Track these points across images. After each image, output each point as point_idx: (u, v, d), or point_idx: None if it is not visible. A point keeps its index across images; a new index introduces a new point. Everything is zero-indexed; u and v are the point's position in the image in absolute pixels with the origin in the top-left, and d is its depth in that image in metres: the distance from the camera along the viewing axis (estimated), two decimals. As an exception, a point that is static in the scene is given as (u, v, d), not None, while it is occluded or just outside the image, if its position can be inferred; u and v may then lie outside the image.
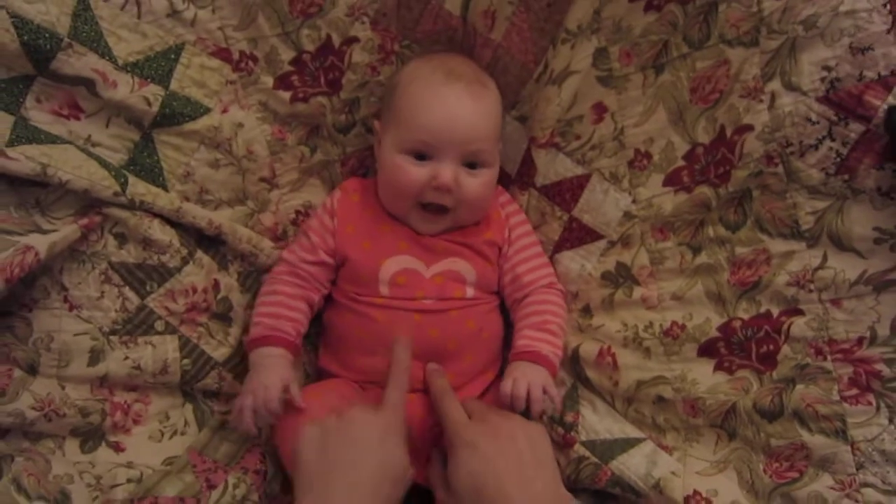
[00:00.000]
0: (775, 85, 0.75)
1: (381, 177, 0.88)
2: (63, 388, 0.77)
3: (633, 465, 0.82)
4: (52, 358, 0.76)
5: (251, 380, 0.81)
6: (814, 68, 0.72)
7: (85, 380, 0.79)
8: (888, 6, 0.68)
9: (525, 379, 0.80)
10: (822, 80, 0.72)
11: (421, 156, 0.82)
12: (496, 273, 0.90)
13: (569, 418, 0.88)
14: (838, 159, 0.72)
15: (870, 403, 0.73)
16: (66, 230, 0.75)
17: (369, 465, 0.68)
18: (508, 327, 0.92)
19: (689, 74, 0.80)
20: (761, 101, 0.76)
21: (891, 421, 0.72)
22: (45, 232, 0.74)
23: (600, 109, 0.86)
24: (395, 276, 0.85)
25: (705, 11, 0.78)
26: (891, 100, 0.68)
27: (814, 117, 0.72)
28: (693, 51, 0.80)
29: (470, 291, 0.87)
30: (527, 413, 0.80)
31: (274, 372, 0.80)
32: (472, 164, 0.84)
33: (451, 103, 0.82)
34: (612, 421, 0.87)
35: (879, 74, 0.69)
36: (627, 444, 0.84)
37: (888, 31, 0.68)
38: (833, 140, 0.72)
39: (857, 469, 0.73)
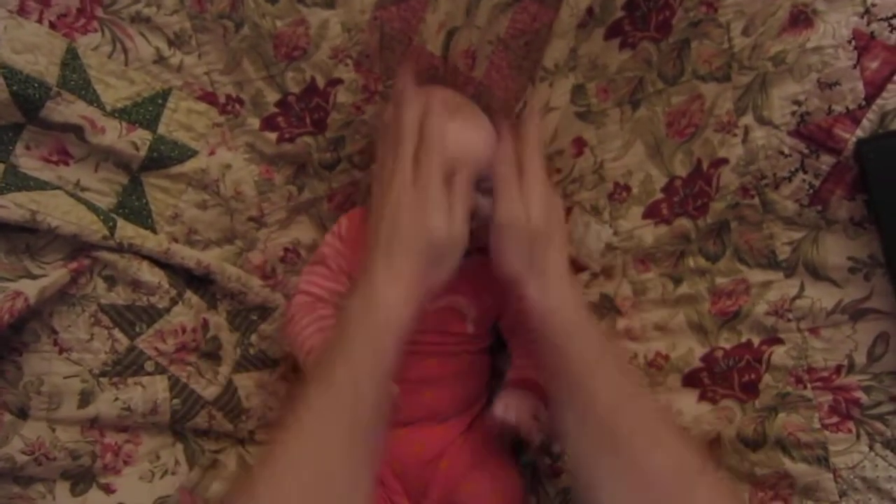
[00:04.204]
0: (748, 119, 0.76)
1: None
2: (53, 430, 0.78)
3: (621, 495, 0.83)
4: (43, 401, 0.77)
5: None
6: (784, 103, 0.74)
7: (75, 422, 0.79)
8: (853, 43, 0.69)
9: (514, 404, 0.81)
10: (793, 114, 0.73)
11: None
12: (496, 309, 0.91)
13: (556, 448, 0.89)
14: (811, 191, 0.73)
15: (850, 431, 0.73)
16: (55, 275, 0.76)
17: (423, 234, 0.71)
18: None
19: (664, 109, 0.82)
20: (735, 134, 0.77)
21: (871, 448, 0.72)
22: (34, 277, 0.75)
23: (580, 144, 0.88)
24: None
25: (678, 48, 0.80)
26: (859, 133, 0.70)
27: (786, 150, 0.74)
28: (668, 86, 0.82)
29: (470, 328, 0.88)
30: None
31: None
32: (484, 188, 0.84)
33: (460, 134, 0.82)
34: (599, 451, 0.87)
35: (847, 108, 0.70)
36: (614, 474, 0.85)
37: (854, 67, 0.69)
38: (805, 172, 0.73)
39: (840, 496, 0.73)
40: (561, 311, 0.72)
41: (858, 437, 0.73)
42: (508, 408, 0.81)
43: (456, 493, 0.82)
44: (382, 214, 0.72)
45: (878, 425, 0.72)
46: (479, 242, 0.87)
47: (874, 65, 0.69)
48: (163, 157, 0.84)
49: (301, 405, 0.63)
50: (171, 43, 0.83)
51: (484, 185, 0.84)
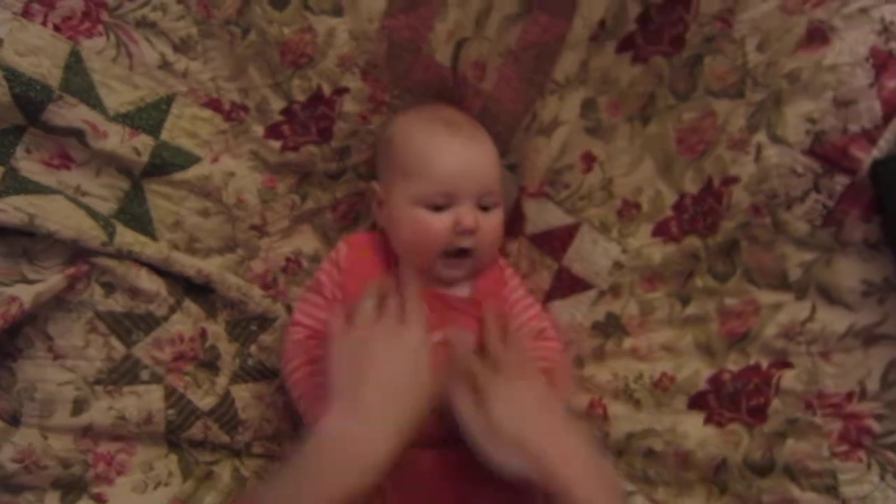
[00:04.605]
0: (761, 137, 0.75)
1: (398, 233, 0.85)
2: (45, 438, 0.77)
3: (624, 520, 0.81)
4: (35, 408, 0.76)
5: None
6: (799, 121, 0.72)
7: (68, 430, 0.78)
8: (870, 61, 0.68)
9: None
10: (807, 132, 0.71)
11: (439, 206, 0.82)
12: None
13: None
14: (825, 211, 0.72)
15: (860, 460, 0.71)
16: (52, 280, 0.75)
17: (398, 376, 0.70)
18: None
19: (675, 125, 0.81)
20: (747, 152, 0.76)
21: (882, 479, 0.70)
22: (30, 282, 0.74)
23: (589, 159, 0.86)
24: None
25: (691, 64, 0.79)
26: (875, 153, 0.68)
27: (799, 169, 0.72)
28: (679, 102, 0.80)
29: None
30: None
31: None
32: (485, 206, 0.84)
33: (462, 151, 0.83)
34: (602, 474, 0.85)
35: (863, 128, 0.68)
36: (617, 498, 0.83)
37: (871, 86, 0.68)
38: (819, 192, 0.72)
39: (850, 527, 0.71)
40: (574, 485, 0.66)
41: (869, 466, 0.71)
42: None
43: None
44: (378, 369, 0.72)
45: (890, 455, 0.70)
46: (480, 262, 0.86)
47: (892, 84, 0.67)
48: (165, 163, 0.83)
49: None
50: (176, 48, 0.82)
51: (487, 200, 0.83)
